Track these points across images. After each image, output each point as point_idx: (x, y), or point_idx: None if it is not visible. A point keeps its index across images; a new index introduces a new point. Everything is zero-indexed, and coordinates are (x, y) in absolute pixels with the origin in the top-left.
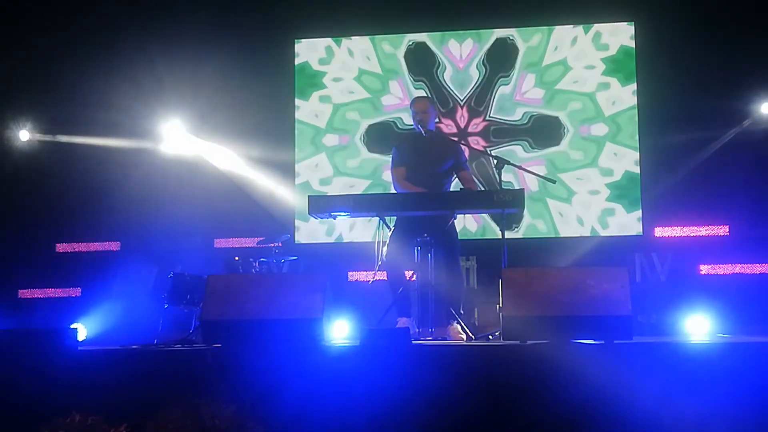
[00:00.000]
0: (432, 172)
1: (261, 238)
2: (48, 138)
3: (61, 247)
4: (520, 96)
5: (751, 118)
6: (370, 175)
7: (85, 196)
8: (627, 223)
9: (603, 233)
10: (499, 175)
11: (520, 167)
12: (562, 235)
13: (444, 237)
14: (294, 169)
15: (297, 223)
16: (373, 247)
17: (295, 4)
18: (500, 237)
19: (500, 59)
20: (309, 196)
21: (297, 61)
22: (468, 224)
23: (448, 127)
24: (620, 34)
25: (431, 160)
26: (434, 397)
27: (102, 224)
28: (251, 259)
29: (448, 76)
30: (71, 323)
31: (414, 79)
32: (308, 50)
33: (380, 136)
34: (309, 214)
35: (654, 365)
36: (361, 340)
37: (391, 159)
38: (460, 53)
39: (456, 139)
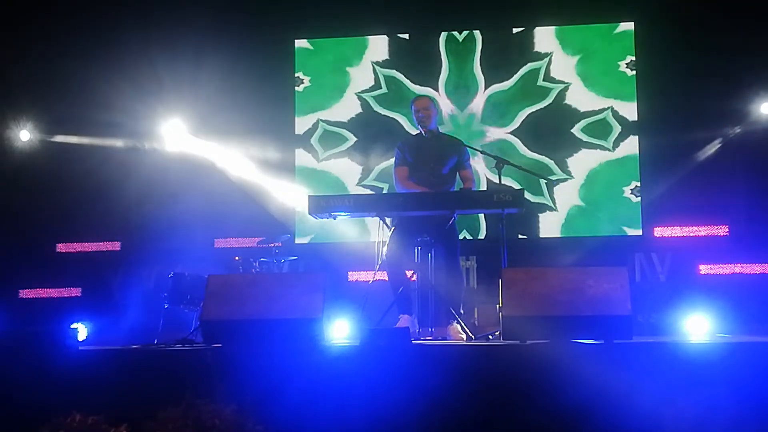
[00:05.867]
0: (436, 172)
1: (261, 238)
2: (48, 138)
3: (61, 247)
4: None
5: (741, 126)
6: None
7: (85, 196)
8: (627, 223)
9: (603, 233)
10: (499, 174)
11: (520, 167)
12: (562, 235)
13: (444, 237)
14: (294, 169)
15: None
16: (373, 247)
17: (295, 4)
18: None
19: (500, 58)
20: (309, 196)
21: (297, 61)
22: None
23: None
24: (620, 34)
25: (434, 159)
26: (434, 396)
27: (102, 224)
28: (251, 259)
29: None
30: (71, 323)
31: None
32: (308, 49)
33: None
34: (309, 213)
35: (654, 365)
36: (361, 340)
37: (393, 159)
38: (460, 52)
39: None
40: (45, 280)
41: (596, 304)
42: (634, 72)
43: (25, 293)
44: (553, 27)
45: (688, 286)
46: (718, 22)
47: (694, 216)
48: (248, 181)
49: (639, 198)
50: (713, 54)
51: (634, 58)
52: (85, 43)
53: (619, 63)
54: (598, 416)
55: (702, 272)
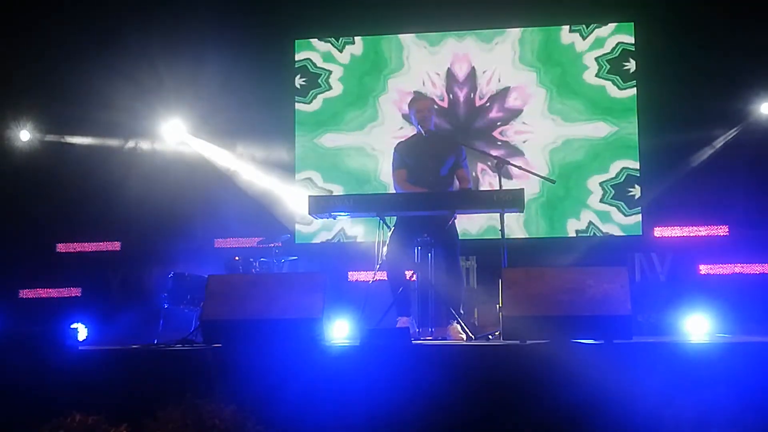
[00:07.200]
0: (435, 172)
1: (261, 238)
2: (48, 138)
3: (61, 247)
4: (516, 97)
5: (741, 126)
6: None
7: (85, 196)
8: (627, 223)
9: (603, 233)
10: (499, 174)
11: (520, 167)
12: (562, 235)
13: (444, 237)
14: (294, 168)
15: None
16: (373, 247)
17: (295, 4)
18: (500, 237)
19: (501, 58)
20: (309, 196)
21: (297, 61)
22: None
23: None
24: (620, 34)
25: (433, 160)
26: (434, 396)
27: (102, 224)
28: (251, 259)
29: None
30: (71, 323)
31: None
32: (308, 50)
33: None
34: (309, 214)
35: (654, 365)
36: (361, 340)
37: (391, 161)
38: (460, 52)
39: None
40: (45, 280)
41: (596, 304)
42: (633, 71)
43: (25, 293)
44: (554, 27)
45: (688, 286)
46: (718, 23)
47: (694, 216)
48: (248, 181)
49: (639, 197)
50: (713, 54)
51: (633, 57)
52: (85, 43)
53: (618, 63)
54: (598, 416)
55: (702, 272)
